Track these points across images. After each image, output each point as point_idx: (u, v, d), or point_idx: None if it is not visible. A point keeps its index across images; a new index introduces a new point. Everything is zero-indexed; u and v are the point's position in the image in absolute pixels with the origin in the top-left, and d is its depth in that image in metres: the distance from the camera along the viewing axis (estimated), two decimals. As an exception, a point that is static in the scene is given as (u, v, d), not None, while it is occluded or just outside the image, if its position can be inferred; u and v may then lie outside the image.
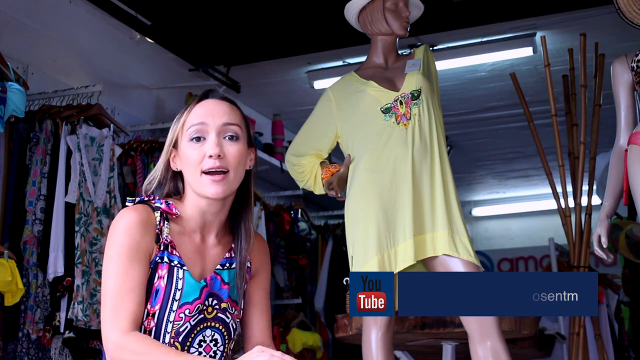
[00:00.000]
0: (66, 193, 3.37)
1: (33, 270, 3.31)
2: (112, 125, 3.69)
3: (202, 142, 1.76)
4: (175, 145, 1.81)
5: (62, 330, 3.30)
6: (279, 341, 5.07)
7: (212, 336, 1.76)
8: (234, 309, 1.80)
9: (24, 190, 3.37)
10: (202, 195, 1.76)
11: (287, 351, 5.09)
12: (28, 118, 3.45)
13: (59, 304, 3.33)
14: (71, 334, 3.28)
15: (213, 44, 4.87)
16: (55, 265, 3.28)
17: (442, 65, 4.87)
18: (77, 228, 3.35)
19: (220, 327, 1.77)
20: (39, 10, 3.92)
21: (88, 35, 4.27)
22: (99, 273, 3.38)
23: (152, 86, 4.79)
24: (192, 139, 1.76)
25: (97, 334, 3.38)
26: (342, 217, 5.01)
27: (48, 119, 3.47)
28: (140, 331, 1.70)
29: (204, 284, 1.76)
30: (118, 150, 3.71)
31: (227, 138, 1.77)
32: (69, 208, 3.38)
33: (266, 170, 5.50)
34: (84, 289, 3.29)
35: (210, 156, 1.73)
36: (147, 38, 4.57)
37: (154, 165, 4.03)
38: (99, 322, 3.28)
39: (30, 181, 3.37)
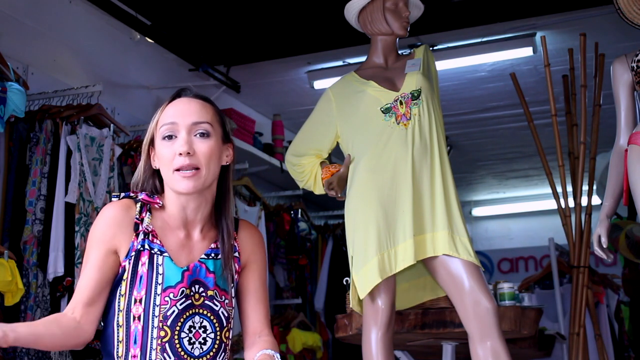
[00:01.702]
0: (66, 193, 3.37)
1: (33, 270, 3.31)
2: (112, 125, 3.69)
3: (173, 141, 1.81)
4: (152, 144, 1.87)
5: (62, 330, 3.29)
6: (279, 341, 5.07)
7: (201, 323, 1.80)
8: (223, 297, 1.84)
9: (24, 190, 3.37)
10: (175, 191, 1.82)
11: (287, 351, 5.09)
12: (28, 118, 3.45)
13: (59, 304, 3.33)
14: (71, 334, 3.28)
15: (213, 44, 4.87)
16: (55, 265, 3.28)
17: (442, 65, 4.87)
18: (77, 228, 3.35)
19: (209, 315, 1.81)
20: (39, 10, 3.92)
21: (88, 35, 4.27)
22: (99, 273, 3.39)
23: (152, 86, 4.79)
24: (164, 138, 1.82)
25: (97, 334, 3.38)
26: (342, 217, 5.01)
27: (48, 119, 3.47)
28: (130, 317, 1.77)
29: (186, 269, 1.81)
30: (118, 150, 3.71)
31: (197, 135, 1.82)
32: (69, 208, 3.38)
33: (266, 170, 5.51)
34: (84, 289, 3.28)
35: (180, 154, 1.79)
36: (147, 38, 4.57)
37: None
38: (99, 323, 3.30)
39: (30, 181, 3.37)
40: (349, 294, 2.89)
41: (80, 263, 3.29)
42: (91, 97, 3.73)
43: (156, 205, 1.85)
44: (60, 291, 3.31)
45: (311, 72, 5.24)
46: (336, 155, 3.33)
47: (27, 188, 3.37)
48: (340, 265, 5.70)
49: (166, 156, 1.81)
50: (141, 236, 1.80)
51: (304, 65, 5.20)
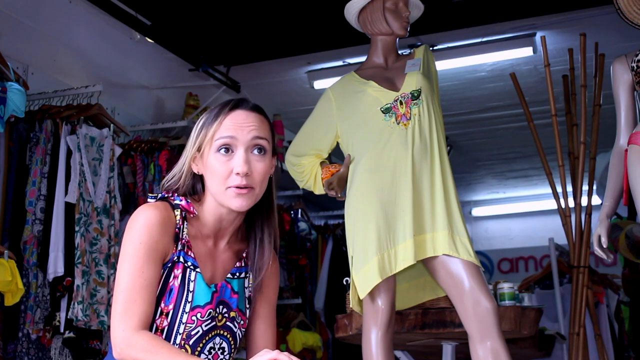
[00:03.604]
0: (66, 193, 3.37)
1: (33, 270, 3.31)
2: (112, 125, 3.70)
3: (230, 156, 1.74)
4: (199, 149, 1.79)
5: (62, 330, 3.30)
6: (279, 341, 5.07)
7: (220, 344, 1.77)
8: (240, 318, 1.81)
9: (24, 190, 3.37)
10: (225, 206, 1.76)
11: (287, 351, 5.09)
12: (28, 118, 3.45)
13: (59, 304, 3.33)
14: (71, 334, 3.28)
15: (213, 44, 4.87)
16: (55, 265, 3.28)
17: (442, 65, 4.87)
18: (77, 228, 3.35)
19: (228, 336, 1.78)
20: (39, 10, 3.92)
21: (88, 35, 4.27)
22: (99, 273, 3.39)
23: (152, 86, 4.79)
24: (219, 151, 1.75)
25: (97, 334, 3.38)
26: (342, 217, 5.01)
27: (48, 119, 3.47)
28: (153, 329, 1.71)
29: (214, 289, 1.76)
30: (118, 150, 3.71)
31: (255, 152, 1.76)
32: (69, 208, 3.38)
33: (266, 170, 5.49)
34: (84, 289, 3.29)
35: (238, 173, 1.73)
36: (147, 38, 4.57)
37: (154, 165, 4.07)
38: (99, 322, 3.31)
39: (30, 181, 3.37)
40: (349, 294, 2.89)
41: (80, 263, 3.31)
42: (91, 97, 3.73)
43: (191, 215, 1.78)
44: (60, 291, 3.31)
45: (311, 72, 5.24)
46: (336, 155, 3.33)
47: (27, 188, 3.37)
48: (340, 265, 5.70)
49: (221, 172, 1.73)
50: (179, 247, 1.74)
51: (304, 65, 5.20)
